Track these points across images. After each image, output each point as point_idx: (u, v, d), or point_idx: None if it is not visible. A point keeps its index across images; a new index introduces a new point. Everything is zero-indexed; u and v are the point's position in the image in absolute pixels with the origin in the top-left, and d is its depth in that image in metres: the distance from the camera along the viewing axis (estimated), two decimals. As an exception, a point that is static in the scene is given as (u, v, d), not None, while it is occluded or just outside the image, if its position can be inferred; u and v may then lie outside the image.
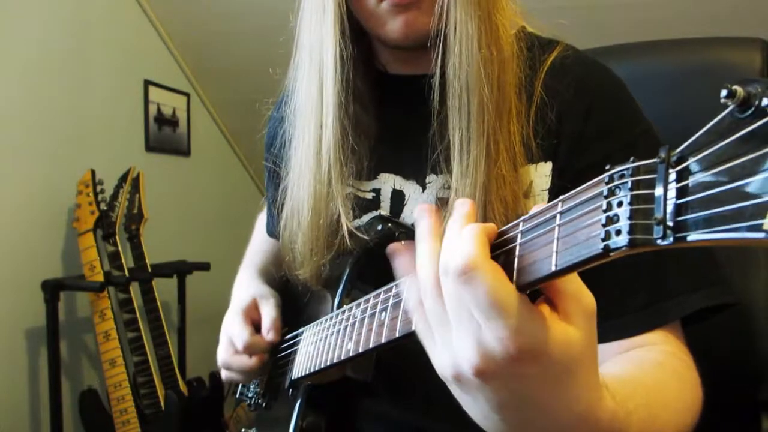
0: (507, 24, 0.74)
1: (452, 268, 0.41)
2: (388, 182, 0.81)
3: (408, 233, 0.76)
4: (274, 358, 0.91)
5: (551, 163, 0.73)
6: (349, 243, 0.77)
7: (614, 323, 0.69)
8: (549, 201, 0.71)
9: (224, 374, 0.92)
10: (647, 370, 0.63)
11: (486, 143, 0.69)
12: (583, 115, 0.73)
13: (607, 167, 0.34)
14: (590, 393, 0.45)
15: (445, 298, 0.44)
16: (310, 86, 0.79)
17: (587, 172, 0.70)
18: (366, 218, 0.80)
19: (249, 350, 0.87)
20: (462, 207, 0.47)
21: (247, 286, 0.98)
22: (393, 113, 0.82)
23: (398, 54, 0.81)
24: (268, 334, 0.87)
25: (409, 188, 0.80)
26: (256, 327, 0.90)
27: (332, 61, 0.75)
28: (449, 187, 0.75)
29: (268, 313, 0.89)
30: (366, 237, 0.77)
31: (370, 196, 0.82)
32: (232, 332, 0.89)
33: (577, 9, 2.01)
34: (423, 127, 0.76)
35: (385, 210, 0.80)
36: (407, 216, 0.79)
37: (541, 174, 0.72)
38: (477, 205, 0.69)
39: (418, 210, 0.49)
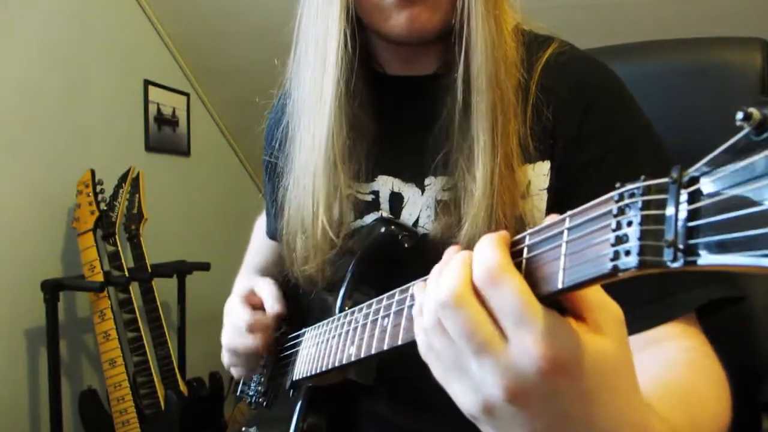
0: (509, 23, 0.74)
1: (480, 277, 0.39)
2: (386, 185, 0.80)
3: (411, 235, 0.76)
4: (276, 357, 0.90)
5: (549, 162, 0.72)
6: (353, 240, 0.76)
7: (626, 317, 0.68)
8: (548, 200, 0.71)
9: (227, 359, 0.89)
10: (680, 374, 0.60)
11: (492, 143, 0.69)
12: (580, 113, 0.72)
13: (618, 185, 0.34)
14: (633, 413, 0.41)
15: (454, 328, 0.41)
16: (315, 78, 0.77)
17: (586, 169, 0.70)
18: (368, 219, 0.80)
19: (253, 329, 0.85)
20: (450, 252, 0.45)
21: (244, 281, 0.96)
22: (391, 115, 0.81)
23: (399, 52, 0.81)
24: (272, 307, 0.85)
25: (408, 191, 0.79)
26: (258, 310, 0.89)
27: (337, 52, 0.74)
28: (448, 189, 0.75)
29: (268, 291, 0.88)
30: (368, 239, 0.77)
31: (369, 198, 0.81)
32: (234, 316, 0.87)
33: (577, 9, 2.01)
34: (422, 128, 0.75)
35: (385, 212, 0.80)
36: (405, 218, 0.79)
37: (539, 173, 0.72)
38: (485, 206, 0.69)
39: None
